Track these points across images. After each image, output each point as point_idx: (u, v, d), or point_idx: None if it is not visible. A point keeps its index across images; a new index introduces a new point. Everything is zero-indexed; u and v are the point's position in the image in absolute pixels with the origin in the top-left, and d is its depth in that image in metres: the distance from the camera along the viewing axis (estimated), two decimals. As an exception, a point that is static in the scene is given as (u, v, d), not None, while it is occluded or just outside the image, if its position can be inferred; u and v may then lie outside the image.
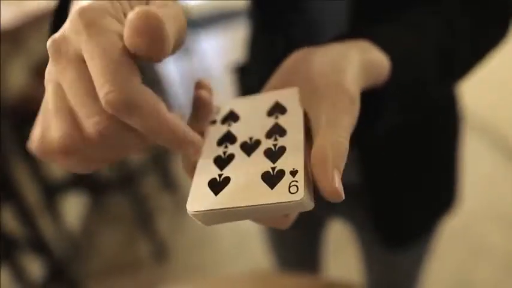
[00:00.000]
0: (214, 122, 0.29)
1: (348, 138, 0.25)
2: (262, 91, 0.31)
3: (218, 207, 0.24)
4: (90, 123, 0.22)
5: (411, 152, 0.59)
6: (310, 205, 0.24)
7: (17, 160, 1.56)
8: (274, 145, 0.26)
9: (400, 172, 0.59)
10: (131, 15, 0.21)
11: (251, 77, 0.62)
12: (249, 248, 1.74)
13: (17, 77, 1.64)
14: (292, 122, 0.27)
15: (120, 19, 0.24)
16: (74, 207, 1.93)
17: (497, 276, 1.52)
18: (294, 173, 0.24)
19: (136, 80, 0.22)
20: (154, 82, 2.16)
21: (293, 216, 0.27)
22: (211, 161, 0.26)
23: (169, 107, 0.27)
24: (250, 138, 0.27)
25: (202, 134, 0.28)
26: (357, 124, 0.33)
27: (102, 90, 0.21)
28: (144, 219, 1.72)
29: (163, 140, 0.23)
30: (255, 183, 0.24)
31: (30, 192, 1.62)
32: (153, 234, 1.76)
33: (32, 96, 1.55)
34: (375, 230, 0.63)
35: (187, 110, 0.29)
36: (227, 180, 0.25)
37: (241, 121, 0.28)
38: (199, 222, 0.25)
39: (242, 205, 0.23)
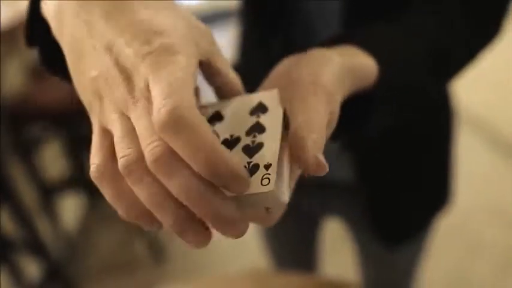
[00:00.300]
0: None
1: (323, 135, 0.26)
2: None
3: None
4: (148, 151, 0.21)
5: (405, 150, 0.59)
6: (282, 198, 0.24)
7: (13, 161, 1.56)
8: (253, 141, 0.26)
9: (395, 170, 0.60)
10: None
11: (243, 76, 0.62)
12: (247, 248, 1.74)
13: (13, 78, 1.63)
14: (272, 120, 0.27)
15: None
16: (70, 208, 1.93)
17: (494, 274, 1.52)
18: (267, 166, 0.24)
19: (193, 101, 0.21)
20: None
21: (276, 213, 0.27)
22: None
23: None
24: (231, 136, 0.27)
25: None
26: (349, 126, 0.33)
27: (157, 107, 0.21)
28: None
29: (212, 170, 0.21)
30: None
31: (27, 193, 1.61)
32: (150, 234, 1.76)
33: (29, 97, 1.55)
34: (371, 228, 0.63)
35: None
36: None
37: (225, 121, 0.29)
38: None
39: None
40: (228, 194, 0.23)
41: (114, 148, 0.24)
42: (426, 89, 0.41)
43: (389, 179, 0.60)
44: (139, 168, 0.22)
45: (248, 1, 0.57)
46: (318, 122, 0.26)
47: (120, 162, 0.22)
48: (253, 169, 0.25)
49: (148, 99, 0.22)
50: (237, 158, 0.22)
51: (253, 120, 0.28)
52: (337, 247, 1.50)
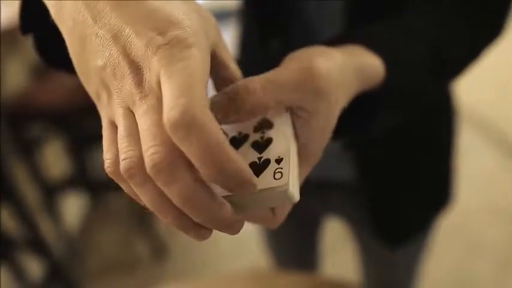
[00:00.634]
0: None
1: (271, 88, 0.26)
2: None
3: None
4: (147, 156, 0.21)
5: (406, 150, 0.59)
6: (294, 194, 0.24)
7: (15, 160, 1.56)
8: (262, 137, 0.26)
9: (396, 170, 0.60)
10: None
11: (243, 74, 0.62)
12: (248, 247, 1.74)
13: (14, 77, 1.63)
14: (280, 115, 0.27)
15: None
16: (72, 207, 1.93)
17: (495, 273, 1.52)
18: (279, 160, 0.24)
19: (205, 103, 0.21)
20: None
21: (281, 214, 0.27)
22: None
23: None
24: (239, 133, 0.27)
25: None
26: (353, 126, 0.33)
27: (168, 108, 0.20)
28: (142, 218, 1.72)
29: (219, 173, 0.20)
30: None
31: (29, 192, 1.62)
32: (151, 234, 1.76)
33: (30, 96, 1.55)
34: (372, 227, 0.63)
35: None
36: None
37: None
38: None
39: (225, 194, 0.24)
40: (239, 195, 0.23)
41: None
42: (428, 89, 0.41)
43: (391, 179, 0.60)
44: (140, 172, 0.21)
45: (248, 1, 0.57)
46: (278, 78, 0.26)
47: (122, 165, 0.22)
48: (264, 164, 0.25)
49: (158, 97, 0.21)
50: (244, 162, 0.21)
51: (259, 117, 0.28)
52: (338, 247, 1.50)
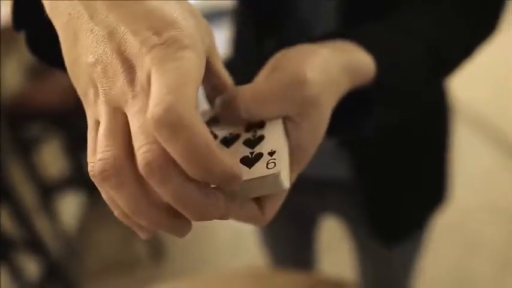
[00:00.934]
0: None
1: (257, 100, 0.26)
2: None
3: None
4: (139, 154, 0.20)
5: (402, 148, 0.59)
6: (285, 181, 0.24)
7: (13, 160, 1.56)
8: (254, 135, 0.26)
9: (392, 168, 0.60)
10: None
11: (237, 74, 0.62)
12: (245, 246, 1.74)
13: (12, 77, 1.63)
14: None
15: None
16: (70, 207, 1.92)
17: (493, 272, 1.52)
18: (271, 153, 0.24)
19: (192, 103, 0.20)
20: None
21: (270, 212, 0.27)
22: None
23: None
24: (230, 134, 0.27)
25: None
26: (346, 124, 0.34)
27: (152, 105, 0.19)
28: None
29: (206, 174, 0.20)
30: None
31: (27, 192, 1.61)
32: (149, 233, 1.76)
33: (28, 96, 1.55)
34: (368, 226, 0.63)
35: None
36: None
37: (222, 123, 0.29)
38: None
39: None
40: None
41: None
42: (422, 86, 0.41)
43: (386, 177, 0.60)
44: (116, 173, 0.21)
45: (243, 0, 0.57)
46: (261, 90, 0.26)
47: (96, 166, 0.21)
48: (257, 157, 0.25)
49: (148, 95, 0.21)
50: (232, 159, 0.21)
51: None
52: (335, 245, 1.50)
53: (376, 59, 0.33)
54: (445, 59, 0.42)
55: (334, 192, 0.67)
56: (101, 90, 0.22)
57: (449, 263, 1.57)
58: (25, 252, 1.48)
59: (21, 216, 1.42)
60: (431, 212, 0.67)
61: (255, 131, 0.27)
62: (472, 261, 1.57)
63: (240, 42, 0.62)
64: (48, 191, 1.70)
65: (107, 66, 0.22)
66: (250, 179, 0.23)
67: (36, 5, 0.27)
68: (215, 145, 0.20)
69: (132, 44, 0.21)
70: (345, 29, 0.36)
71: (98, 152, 0.22)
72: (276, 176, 0.23)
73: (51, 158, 1.82)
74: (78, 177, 1.77)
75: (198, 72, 0.22)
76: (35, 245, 1.47)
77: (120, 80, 0.21)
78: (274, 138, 0.25)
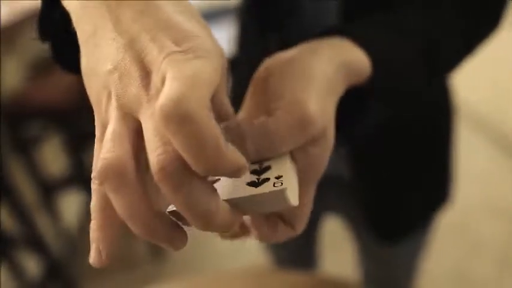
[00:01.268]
0: None
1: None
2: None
3: None
4: (154, 157, 0.20)
5: (402, 147, 0.59)
6: (291, 198, 0.24)
7: (13, 158, 1.56)
8: (260, 166, 0.26)
9: (392, 167, 0.60)
10: None
11: (242, 69, 0.62)
12: (246, 246, 1.74)
13: (12, 76, 1.63)
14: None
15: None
16: (71, 205, 1.93)
17: (494, 272, 1.52)
18: (278, 177, 0.24)
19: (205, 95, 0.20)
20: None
21: (299, 224, 0.27)
22: None
23: None
24: None
25: None
26: (341, 122, 0.33)
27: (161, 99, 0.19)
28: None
29: (212, 170, 0.20)
30: (241, 187, 0.25)
31: (28, 190, 1.61)
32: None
33: (28, 94, 1.55)
34: (368, 225, 0.63)
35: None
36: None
37: None
38: None
39: (225, 198, 0.23)
40: (233, 196, 0.24)
41: None
42: (420, 84, 0.41)
43: (386, 176, 0.60)
44: (118, 175, 0.21)
45: (248, 2, 0.57)
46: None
47: (98, 166, 0.21)
48: (263, 181, 0.25)
49: None
50: (239, 154, 0.21)
51: None
52: (337, 245, 1.50)
53: (372, 57, 0.33)
54: (443, 57, 0.41)
55: (335, 192, 0.67)
56: (114, 96, 0.22)
57: (450, 262, 1.57)
58: (26, 250, 1.48)
59: (22, 215, 1.42)
60: (433, 212, 0.67)
61: (262, 162, 0.27)
62: (473, 261, 1.57)
63: (243, 40, 0.62)
64: (49, 190, 1.71)
65: (124, 72, 0.22)
66: (257, 194, 0.23)
67: (61, 16, 0.28)
68: (223, 140, 0.20)
69: (151, 51, 0.22)
70: (341, 24, 0.36)
71: (103, 152, 0.22)
72: (282, 192, 0.23)
73: (52, 157, 1.82)
74: (79, 176, 1.77)
75: (212, 79, 0.21)
76: (36, 244, 1.47)
77: (136, 85, 0.22)
78: (281, 166, 0.26)
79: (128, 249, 1.85)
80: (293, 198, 0.24)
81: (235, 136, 0.26)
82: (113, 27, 0.23)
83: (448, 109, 0.62)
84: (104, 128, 0.23)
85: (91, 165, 0.23)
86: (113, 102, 0.23)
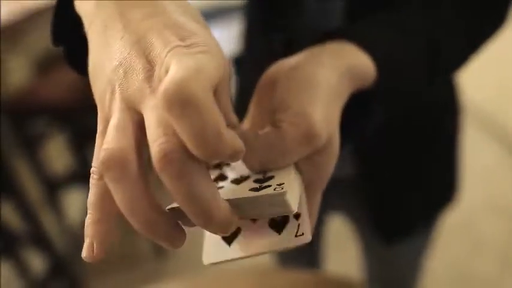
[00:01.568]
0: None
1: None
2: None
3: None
4: (156, 145, 0.20)
5: (408, 147, 0.59)
6: (292, 203, 0.24)
7: (18, 155, 1.56)
8: (264, 176, 0.26)
9: (397, 167, 0.60)
10: None
11: (247, 68, 0.62)
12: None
13: (17, 73, 1.64)
14: None
15: None
16: (75, 202, 1.93)
17: (498, 270, 1.52)
18: (280, 184, 0.24)
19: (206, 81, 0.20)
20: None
21: (306, 229, 0.27)
22: None
23: None
24: (241, 176, 0.27)
25: None
26: (348, 125, 0.33)
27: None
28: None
29: (213, 156, 0.20)
30: (243, 191, 0.25)
31: (32, 188, 1.62)
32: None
33: (33, 92, 1.55)
34: (372, 225, 0.63)
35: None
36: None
37: (233, 165, 0.29)
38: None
39: (226, 198, 0.24)
40: (234, 196, 0.24)
41: None
42: (424, 85, 0.41)
43: (390, 176, 0.60)
44: (120, 166, 0.21)
45: (252, 2, 0.57)
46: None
47: (100, 155, 0.21)
48: (265, 187, 0.25)
49: None
50: (238, 139, 0.21)
51: None
52: (341, 244, 1.50)
53: (376, 60, 0.33)
54: (447, 57, 0.41)
55: (339, 192, 0.67)
56: (118, 91, 0.23)
57: (454, 261, 1.57)
58: (30, 248, 1.49)
59: (26, 212, 1.43)
60: (437, 211, 0.66)
61: (265, 172, 0.27)
62: (476, 260, 1.57)
63: (248, 39, 0.62)
64: (53, 187, 1.71)
65: (129, 67, 0.22)
66: (257, 196, 0.24)
67: (74, 21, 0.29)
68: (224, 126, 0.20)
69: (156, 46, 0.22)
70: (343, 26, 0.36)
71: (105, 142, 0.22)
72: (282, 195, 0.23)
73: (57, 154, 1.83)
74: (84, 173, 1.77)
75: (215, 73, 0.21)
76: (41, 241, 1.48)
77: (139, 78, 0.22)
78: (284, 176, 0.26)
79: (131, 247, 1.86)
80: (293, 204, 0.24)
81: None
82: (123, 27, 0.24)
83: (455, 108, 0.62)
84: (107, 122, 0.23)
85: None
86: (117, 96, 0.23)
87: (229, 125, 0.29)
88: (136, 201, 0.21)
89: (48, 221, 1.67)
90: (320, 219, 0.80)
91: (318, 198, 0.29)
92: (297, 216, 0.25)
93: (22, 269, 1.46)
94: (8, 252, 1.41)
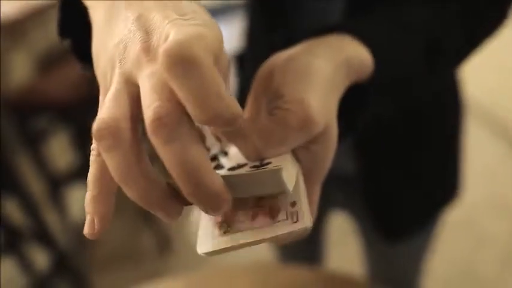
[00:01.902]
0: None
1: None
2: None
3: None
4: (151, 109, 0.20)
5: (410, 143, 0.59)
6: (288, 182, 0.24)
7: (21, 152, 1.57)
8: (261, 162, 0.26)
9: (398, 163, 0.59)
10: None
11: (249, 65, 0.62)
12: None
13: (20, 70, 1.64)
14: None
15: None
16: (78, 199, 1.94)
17: (499, 268, 1.52)
18: (276, 166, 0.24)
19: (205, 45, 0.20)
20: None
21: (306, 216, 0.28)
22: None
23: None
24: (238, 164, 0.27)
25: None
26: (343, 117, 0.34)
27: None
28: (147, 211, 1.73)
29: (214, 114, 0.19)
30: (240, 171, 0.25)
31: (35, 184, 1.63)
32: (156, 226, 1.77)
33: (36, 88, 1.56)
34: (374, 223, 0.63)
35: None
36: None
37: (230, 156, 0.29)
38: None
39: (222, 174, 0.23)
40: (233, 173, 0.24)
41: None
42: (423, 79, 0.40)
43: (392, 173, 0.60)
44: (113, 134, 0.20)
45: (253, 1, 0.57)
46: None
47: (95, 123, 0.21)
48: (261, 169, 0.25)
49: None
50: (237, 103, 0.21)
51: None
52: (343, 240, 1.50)
53: (373, 52, 0.33)
54: (446, 52, 0.41)
55: (340, 189, 0.67)
56: (118, 65, 0.23)
57: (456, 258, 1.57)
58: (34, 244, 1.49)
59: (30, 209, 1.43)
60: (439, 208, 0.66)
61: (262, 160, 0.27)
62: (479, 257, 1.56)
63: (250, 37, 0.62)
64: (56, 184, 1.72)
65: (128, 41, 0.22)
66: (252, 173, 0.24)
67: (80, 13, 0.29)
68: (225, 88, 0.20)
69: (157, 20, 0.22)
70: (342, 20, 0.36)
71: (100, 112, 0.22)
72: (278, 171, 0.23)
73: (60, 151, 1.83)
74: (87, 170, 1.77)
75: (216, 41, 0.21)
76: (44, 237, 1.48)
77: (137, 48, 0.22)
78: (281, 160, 0.26)
79: (134, 244, 1.86)
80: (289, 183, 0.24)
81: (237, 135, 0.26)
82: (124, 8, 0.24)
83: (457, 106, 0.61)
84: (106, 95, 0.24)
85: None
86: (116, 70, 0.23)
87: None
88: (129, 169, 0.21)
89: (51, 218, 1.68)
90: (322, 216, 0.80)
91: (317, 189, 0.29)
92: (294, 204, 0.25)
93: (25, 265, 1.47)
94: (11, 248, 1.41)
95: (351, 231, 1.07)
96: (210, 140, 0.30)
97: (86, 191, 0.23)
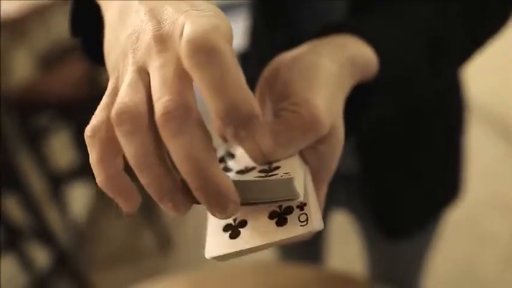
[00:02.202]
0: None
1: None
2: None
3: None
4: (160, 102, 0.20)
5: (412, 142, 0.58)
6: (298, 189, 0.24)
7: (22, 150, 1.57)
8: (269, 166, 0.26)
9: (400, 163, 0.59)
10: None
11: (252, 63, 0.62)
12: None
13: (22, 68, 1.64)
14: None
15: None
16: (79, 197, 1.94)
17: (500, 266, 1.52)
18: (286, 174, 0.24)
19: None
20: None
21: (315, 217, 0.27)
22: None
23: None
24: (246, 167, 0.27)
25: None
26: (349, 117, 0.33)
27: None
28: (148, 209, 1.73)
29: (232, 103, 0.19)
30: (250, 177, 0.24)
31: (36, 182, 1.63)
32: (157, 225, 1.77)
33: (37, 86, 1.56)
34: (376, 222, 0.63)
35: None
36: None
37: (238, 158, 0.29)
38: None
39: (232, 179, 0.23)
40: (242, 179, 0.24)
41: None
42: (426, 78, 0.40)
43: (394, 173, 0.59)
44: (133, 118, 0.20)
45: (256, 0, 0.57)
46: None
47: (114, 108, 0.21)
48: (271, 175, 0.25)
49: (178, 52, 0.21)
50: (256, 102, 0.20)
51: None
52: (345, 239, 1.50)
53: (378, 51, 0.33)
54: (450, 52, 0.41)
55: (342, 188, 0.67)
56: (130, 56, 0.23)
57: (457, 257, 1.57)
58: (34, 242, 1.49)
59: (30, 206, 1.43)
60: (441, 207, 0.66)
61: (271, 163, 0.27)
62: (481, 255, 1.56)
63: (254, 36, 0.62)
64: (57, 181, 1.72)
65: (141, 31, 0.23)
66: (263, 180, 0.23)
67: (93, 10, 0.29)
68: (245, 81, 0.20)
69: (169, 10, 0.22)
70: (350, 21, 0.36)
71: (119, 97, 0.21)
72: (289, 181, 0.23)
73: (61, 149, 1.83)
74: (88, 168, 1.77)
75: (229, 31, 0.22)
76: (45, 235, 1.48)
77: (148, 37, 0.22)
78: (290, 165, 0.25)
79: (135, 242, 1.86)
80: (300, 190, 0.24)
81: (245, 137, 0.26)
82: (138, 2, 0.24)
83: (459, 105, 0.61)
84: (116, 85, 0.24)
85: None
86: (129, 60, 0.23)
87: None
88: (147, 155, 0.21)
89: (52, 216, 1.68)
90: (323, 215, 0.79)
91: (324, 189, 0.29)
92: (301, 206, 0.25)
93: (26, 263, 1.47)
94: (12, 246, 1.41)
95: (352, 231, 1.07)
96: (216, 141, 0.30)
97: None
